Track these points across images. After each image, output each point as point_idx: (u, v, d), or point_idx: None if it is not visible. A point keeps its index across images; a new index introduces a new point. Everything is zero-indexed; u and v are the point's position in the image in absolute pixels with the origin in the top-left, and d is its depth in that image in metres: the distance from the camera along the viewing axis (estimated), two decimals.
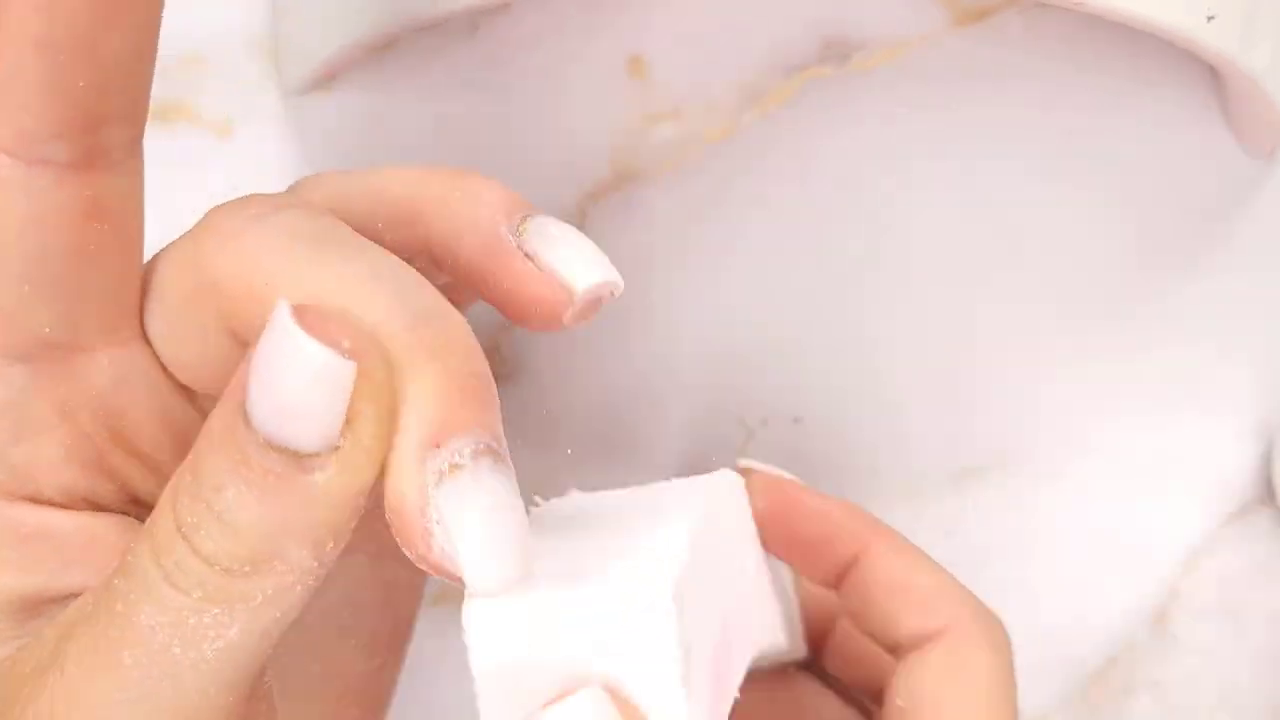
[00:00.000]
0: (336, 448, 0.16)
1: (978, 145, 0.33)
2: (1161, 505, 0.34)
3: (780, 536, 0.26)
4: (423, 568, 0.17)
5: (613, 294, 0.20)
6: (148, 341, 0.20)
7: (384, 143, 0.32)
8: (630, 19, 0.32)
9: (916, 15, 0.32)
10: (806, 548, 0.26)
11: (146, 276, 0.20)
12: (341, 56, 0.30)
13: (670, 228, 0.33)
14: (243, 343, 0.18)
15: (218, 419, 0.16)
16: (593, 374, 0.34)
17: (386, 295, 0.17)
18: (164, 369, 0.20)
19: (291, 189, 0.21)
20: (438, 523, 0.16)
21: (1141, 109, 0.32)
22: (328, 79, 0.32)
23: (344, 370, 0.16)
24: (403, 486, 0.16)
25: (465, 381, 0.17)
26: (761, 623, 0.25)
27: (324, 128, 0.32)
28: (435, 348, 0.17)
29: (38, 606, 0.19)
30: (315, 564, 0.17)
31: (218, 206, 0.19)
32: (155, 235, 0.20)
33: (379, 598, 0.25)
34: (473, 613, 0.17)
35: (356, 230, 0.18)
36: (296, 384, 0.15)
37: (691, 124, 0.33)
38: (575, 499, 0.23)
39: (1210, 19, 0.26)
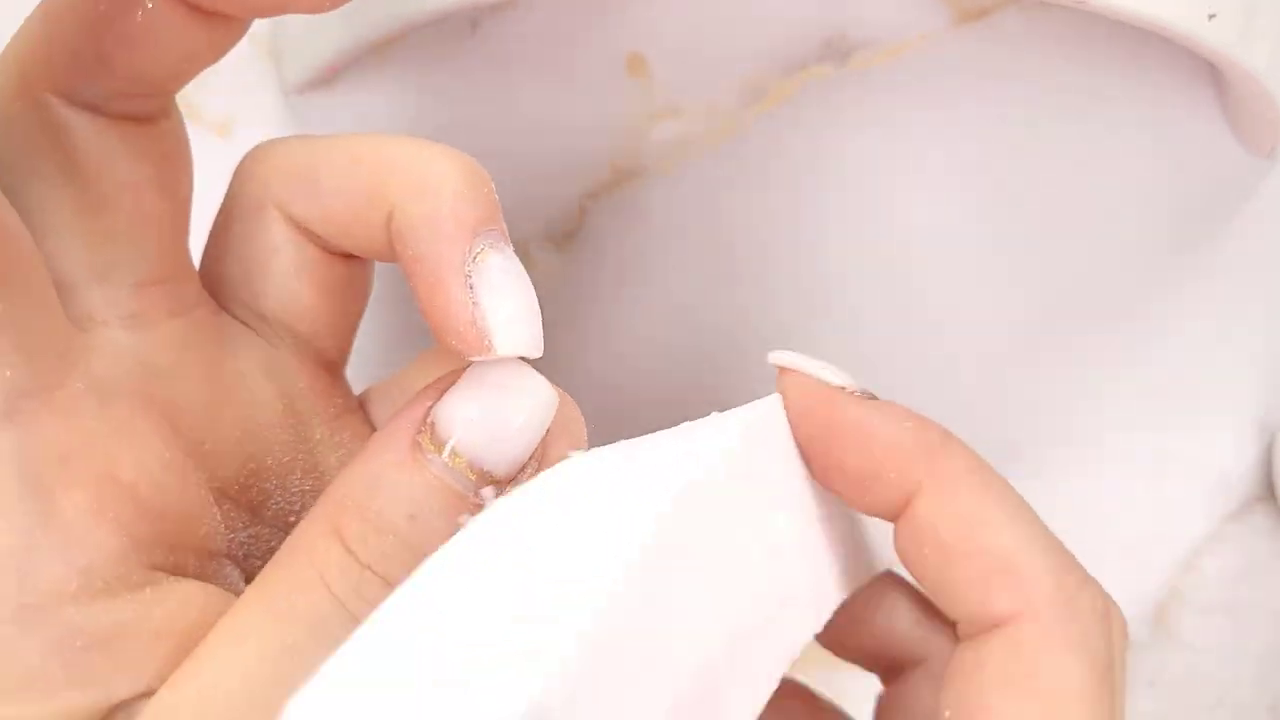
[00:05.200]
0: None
1: (978, 144, 0.33)
2: (1161, 503, 0.34)
3: (819, 464, 0.20)
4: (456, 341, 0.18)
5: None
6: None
7: None
8: (630, 17, 0.32)
9: (917, 14, 0.32)
10: (849, 480, 0.19)
11: (305, 165, 0.20)
12: (342, 55, 0.30)
13: (670, 226, 0.33)
14: (385, 214, 0.19)
15: (389, 453, 0.17)
16: (588, 370, 0.34)
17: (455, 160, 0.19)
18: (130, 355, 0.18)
19: (255, 154, 0.21)
20: (475, 304, 0.18)
21: (1141, 107, 0.32)
22: (328, 78, 0.32)
23: (554, 406, 0.18)
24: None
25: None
26: (812, 587, 0.19)
27: (324, 127, 0.32)
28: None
29: None
30: None
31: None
32: None
33: None
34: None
35: (328, 199, 0.19)
36: (519, 415, 0.18)
37: (692, 123, 0.33)
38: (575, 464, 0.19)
39: (1211, 17, 0.26)
